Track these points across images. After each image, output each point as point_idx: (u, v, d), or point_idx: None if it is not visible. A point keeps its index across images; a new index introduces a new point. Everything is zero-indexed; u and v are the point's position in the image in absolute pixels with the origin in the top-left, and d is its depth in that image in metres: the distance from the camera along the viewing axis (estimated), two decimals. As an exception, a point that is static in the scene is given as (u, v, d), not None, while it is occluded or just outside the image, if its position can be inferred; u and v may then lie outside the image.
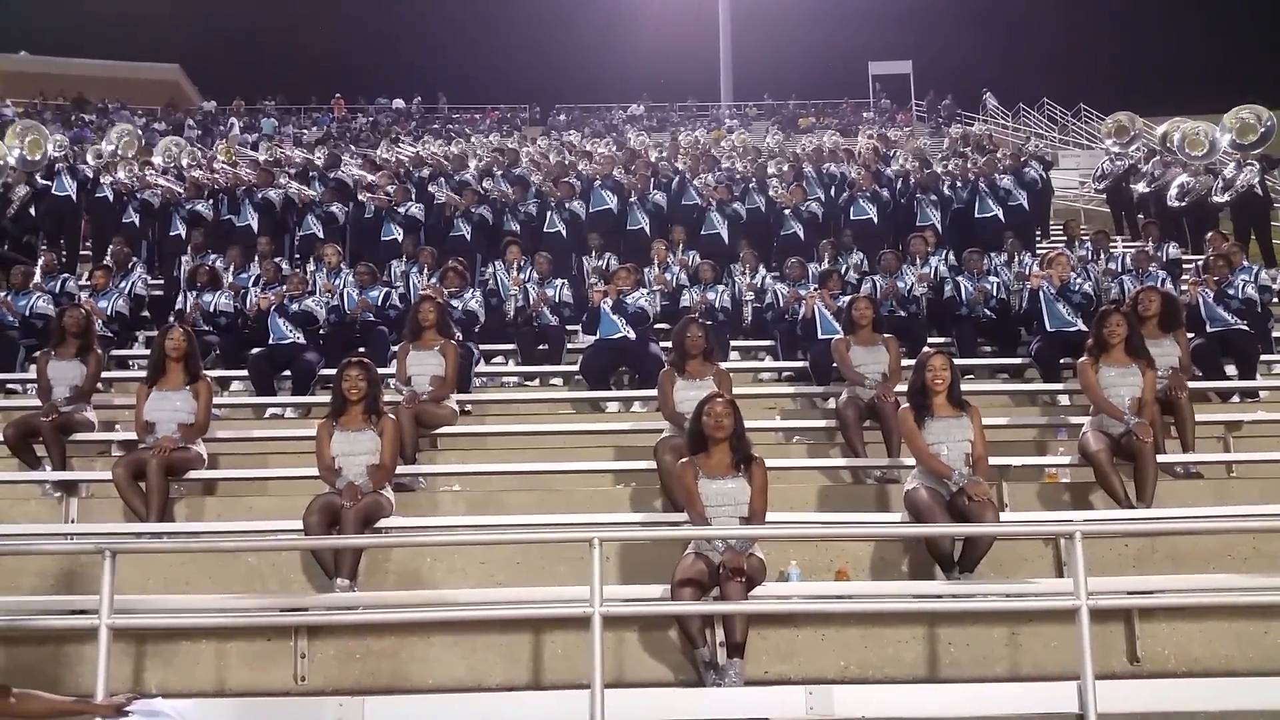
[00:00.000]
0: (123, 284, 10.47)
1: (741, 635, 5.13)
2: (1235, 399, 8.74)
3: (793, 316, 9.58)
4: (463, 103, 37.36)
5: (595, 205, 12.43)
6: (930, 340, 9.40)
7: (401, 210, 12.07)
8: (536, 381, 9.79)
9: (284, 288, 9.53)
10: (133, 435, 7.34)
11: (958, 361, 6.73)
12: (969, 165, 13.18)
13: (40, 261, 11.03)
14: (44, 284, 10.32)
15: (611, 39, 45.18)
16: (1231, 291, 9.22)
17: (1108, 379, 6.87)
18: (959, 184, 12.64)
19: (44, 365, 7.88)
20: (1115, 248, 11.97)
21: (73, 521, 7.02)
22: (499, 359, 10.21)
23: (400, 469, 6.84)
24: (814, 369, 8.89)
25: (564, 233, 12.00)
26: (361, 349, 8.64)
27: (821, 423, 8.24)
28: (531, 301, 10.01)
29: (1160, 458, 6.72)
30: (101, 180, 13.37)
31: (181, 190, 12.86)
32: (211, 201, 12.77)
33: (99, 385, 8.44)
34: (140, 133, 17.87)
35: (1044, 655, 5.37)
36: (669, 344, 7.75)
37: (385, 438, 6.36)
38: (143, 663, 5.45)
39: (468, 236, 12.03)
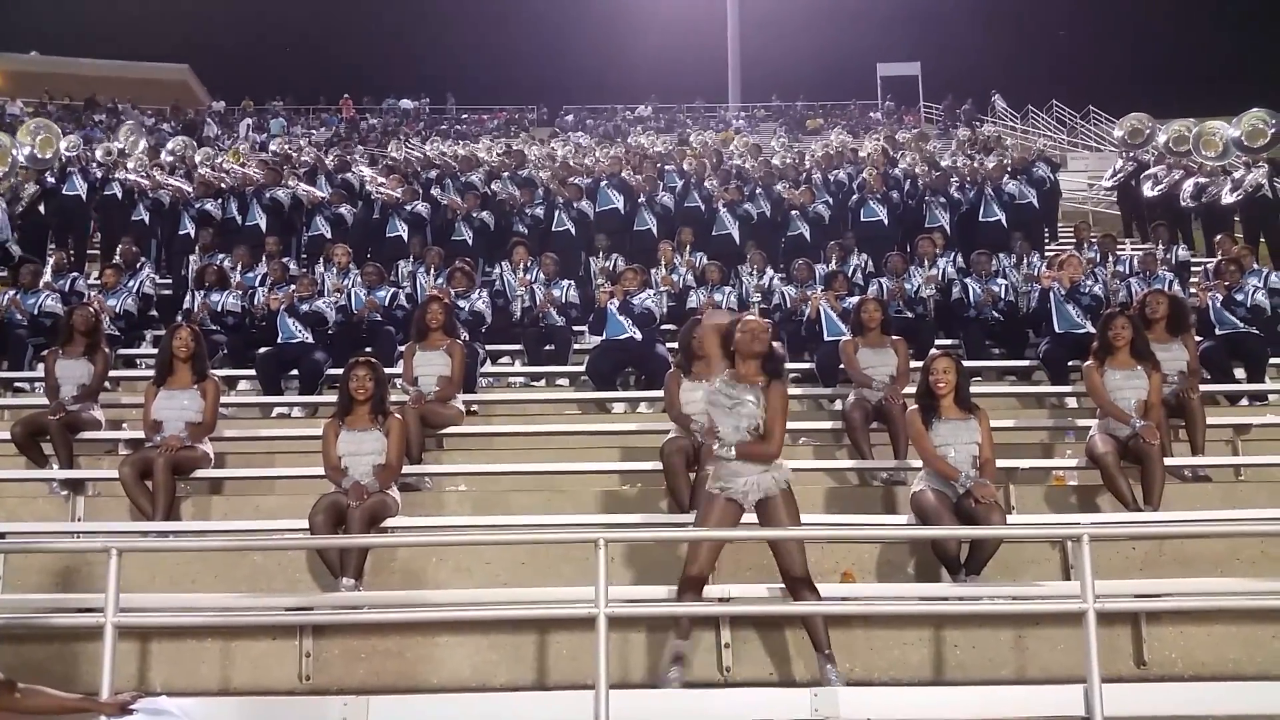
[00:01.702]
0: (131, 283, 10.50)
1: (823, 636, 5.11)
2: (1244, 402, 8.71)
3: (799, 317, 9.57)
4: (470, 103, 37.41)
5: (602, 205, 12.43)
6: (937, 342, 9.39)
7: (408, 208, 12.10)
8: (543, 382, 9.80)
9: (293, 288, 9.54)
10: (140, 434, 7.36)
11: (966, 364, 6.72)
12: (977, 166, 13.16)
13: (51, 261, 11.07)
14: (53, 283, 10.36)
15: (619, 40, 45.14)
16: (1240, 296, 9.18)
17: (1113, 382, 6.85)
18: (966, 185, 12.63)
19: (52, 364, 7.91)
20: (1122, 250, 11.94)
21: (79, 520, 7.04)
22: (505, 359, 10.21)
23: (406, 469, 6.86)
24: (820, 370, 8.88)
25: (573, 231, 11.99)
26: (368, 349, 8.65)
27: (828, 424, 8.23)
28: (538, 302, 10.01)
29: (1168, 461, 6.71)
30: (111, 179, 13.41)
31: (190, 190, 12.89)
32: (220, 201, 12.80)
33: (106, 384, 8.47)
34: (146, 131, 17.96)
35: (1050, 658, 5.35)
36: (675, 345, 7.74)
37: (392, 438, 6.37)
38: (148, 661, 5.46)
39: (469, 241, 12.04)
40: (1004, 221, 12.04)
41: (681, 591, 5.17)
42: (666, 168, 14.42)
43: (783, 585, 5.59)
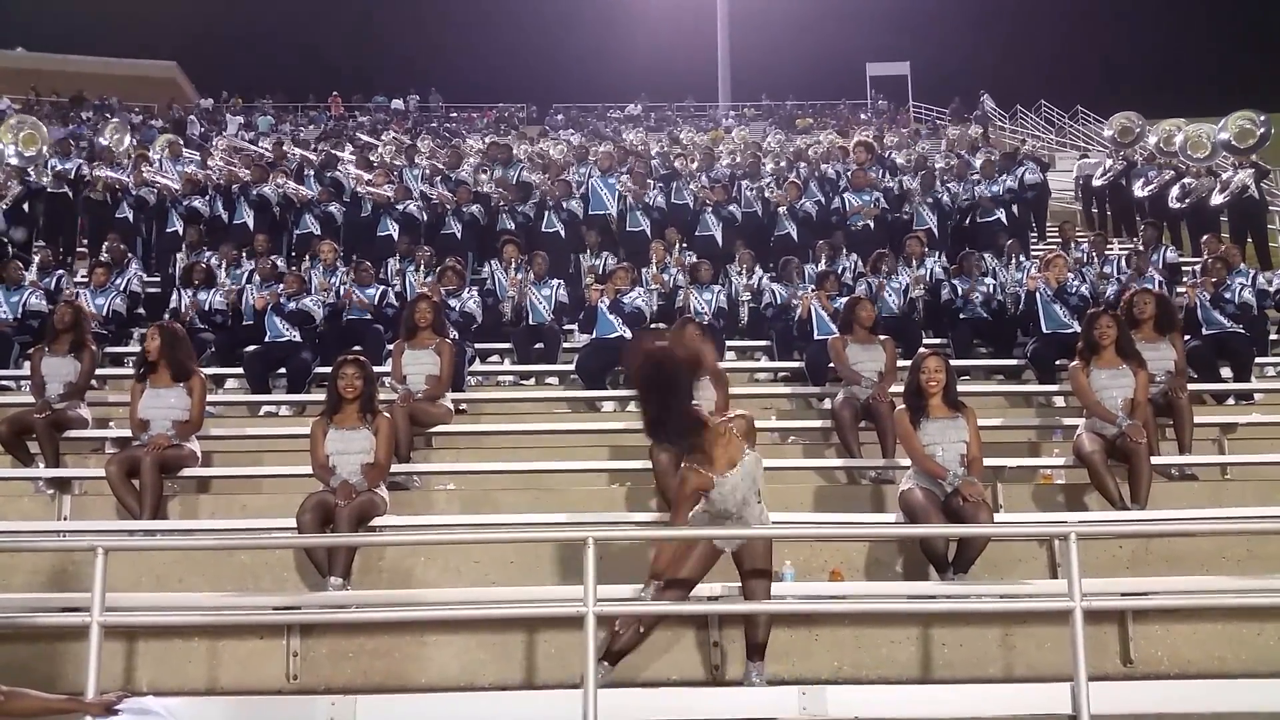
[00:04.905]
0: (119, 281, 10.45)
1: (764, 635, 5.10)
2: (1230, 401, 8.75)
3: (790, 316, 9.57)
4: (460, 101, 37.35)
5: (594, 209, 12.39)
6: (926, 341, 9.41)
7: (400, 207, 12.06)
8: (532, 380, 9.77)
9: (280, 286, 9.51)
10: (127, 432, 7.34)
11: (954, 363, 6.73)
12: (966, 167, 13.20)
13: (37, 259, 11.00)
14: (39, 281, 10.30)
15: (610, 38, 45.24)
16: (1228, 295, 9.23)
17: (1099, 381, 6.88)
18: (954, 186, 12.67)
19: (38, 362, 7.87)
20: (1111, 250, 11.97)
21: (66, 519, 7.01)
22: (495, 358, 10.19)
23: (395, 467, 6.84)
24: (810, 369, 8.90)
25: (562, 233, 11.94)
26: (357, 347, 8.61)
27: (817, 423, 8.24)
28: (529, 302, 9.98)
29: (1155, 459, 6.74)
30: (96, 175, 13.31)
31: (178, 187, 12.83)
32: (208, 198, 12.74)
33: (93, 382, 8.43)
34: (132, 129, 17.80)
35: (1038, 656, 5.37)
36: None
37: (380, 436, 6.35)
38: (134, 661, 5.44)
39: (459, 235, 12.01)
40: (1003, 219, 12.14)
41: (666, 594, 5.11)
42: (655, 165, 14.37)
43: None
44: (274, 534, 6.30)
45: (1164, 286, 9.87)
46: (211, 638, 5.47)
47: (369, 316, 9.59)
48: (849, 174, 12.86)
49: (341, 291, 9.75)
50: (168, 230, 12.35)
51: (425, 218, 12.21)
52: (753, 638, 5.11)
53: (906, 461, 6.30)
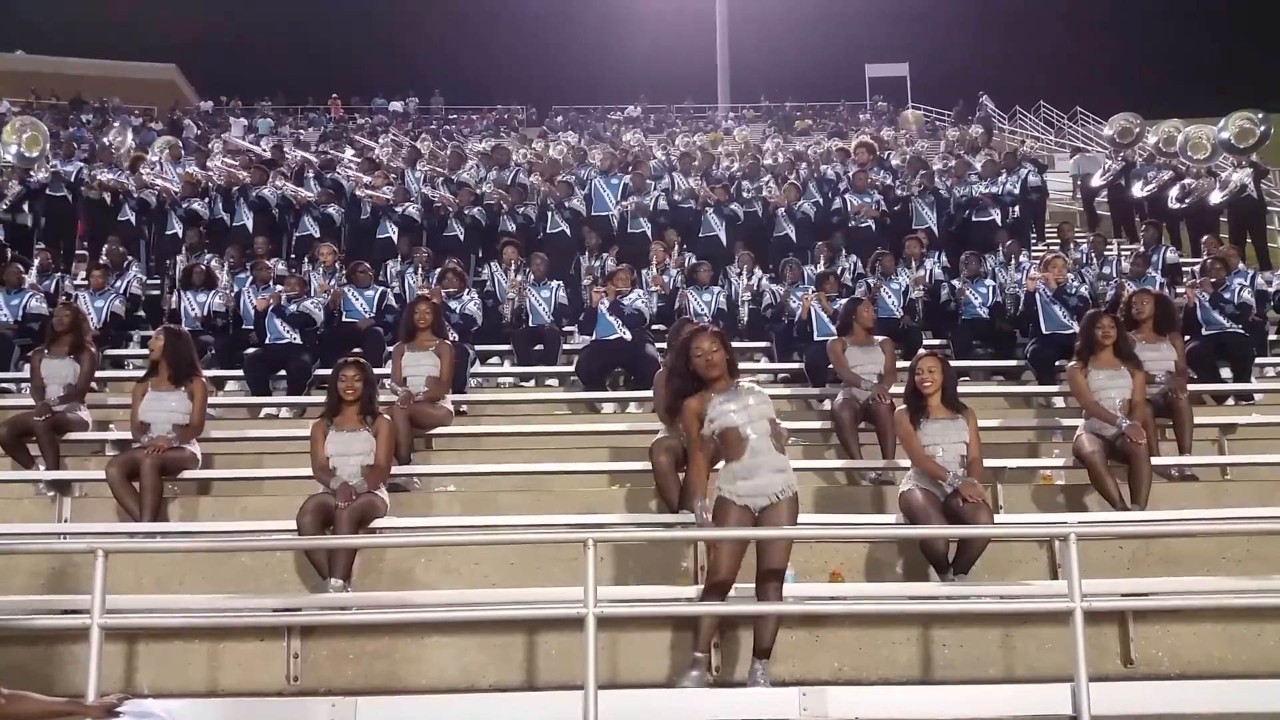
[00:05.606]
0: (118, 284, 10.45)
1: (770, 637, 5.10)
2: (1230, 402, 8.76)
3: (791, 317, 9.58)
4: (460, 103, 37.38)
5: (597, 209, 12.38)
6: (926, 343, 9.42)
7: (399, 210, 12.06)
8: (532, 382, 9.78)
9: (280, 288, 9.52)
10: (127, 435, 7.34)
11: (954, 364, 6.74)
12: (966, 168, 13.20)
13: (36, 261, 11.01)
14: (39, 283, 10.30)
15: (609, 40, 45.27)
16: (1227, 295, 9.25)
17: (1097, 382, 6.90)
18: (954, 186, 12.68)
19: (37, 364, 7.88)
20: (1110, 250, 11.98)
21: (66, 521, 7.01)
22: (495, 359, 10.20)
23: (395, 469, 6.84)
24: (809, 370, 8.90)
25: (567, 232, 11.95)
26: (357, 349, 8.61)
27: (817, 424, 8.24)
28: (528, 304, 9.98)
29: (1155, 460, 6.74)
30: (94, 176, 13.32)
31: (178, 189, 12.83)
32: (208, 200, 12.75)
33: (93, 384, 8.42)
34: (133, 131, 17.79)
35: (1038, 657, 5.36)
36: (665, 345, 7.74)
37: (380, 438, 6.35)
38: (135, 663, 5.43)
39: (461, 237, 12.01)
40: (998, 220, 12.13)
41: (706, 597, 5.16)
42: (653, 162, 14.37)
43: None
44: (274, 536, 6.30)
45: (1164, 287, 9.88)
46: (212, 640, 5.47)
47: (370, 317, 9.59)
48: (850, 175, 12.85)
49: (346, 300, 9.74)
50: (167, 233, 12.36)
51: (425, 220, 12.22)
52: (761, 638, 5.11)
53: (906, 462, 6.30)
